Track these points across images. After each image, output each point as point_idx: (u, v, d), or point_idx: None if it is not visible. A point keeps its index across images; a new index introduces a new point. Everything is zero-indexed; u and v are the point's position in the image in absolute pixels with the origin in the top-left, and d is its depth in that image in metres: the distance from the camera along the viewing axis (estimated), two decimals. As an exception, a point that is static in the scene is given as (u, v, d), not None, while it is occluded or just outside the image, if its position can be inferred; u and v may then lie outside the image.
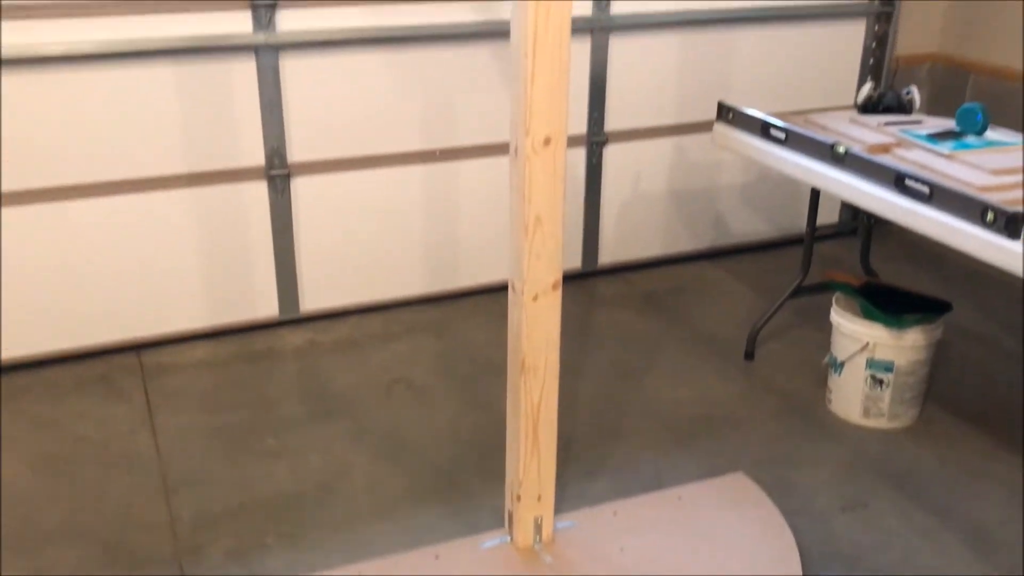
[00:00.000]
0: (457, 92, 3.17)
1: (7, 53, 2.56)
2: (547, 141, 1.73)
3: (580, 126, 3.42)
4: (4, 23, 2.53)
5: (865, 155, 2.42)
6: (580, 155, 3.47)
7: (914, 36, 3.90)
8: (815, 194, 2.92)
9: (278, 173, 3.00)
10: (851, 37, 3.79)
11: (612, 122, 3.48)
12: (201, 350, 3.05)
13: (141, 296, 2.98)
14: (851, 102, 3.47)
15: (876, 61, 3.84)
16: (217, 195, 2.97)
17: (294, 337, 3.15)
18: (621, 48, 3.39)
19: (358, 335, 3.17)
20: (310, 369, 2.95)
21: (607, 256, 3.67)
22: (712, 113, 2.96)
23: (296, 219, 3.09)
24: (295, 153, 3.02)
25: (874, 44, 3.82)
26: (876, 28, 3.80)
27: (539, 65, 1.67)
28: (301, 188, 3.06)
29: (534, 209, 1.76)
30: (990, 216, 2.04)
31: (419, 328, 3.23)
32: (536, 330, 1.86)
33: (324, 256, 3.20)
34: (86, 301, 2.92)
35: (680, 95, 3.55)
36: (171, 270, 3.00)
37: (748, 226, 3.88)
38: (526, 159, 1.73)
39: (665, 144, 3.61)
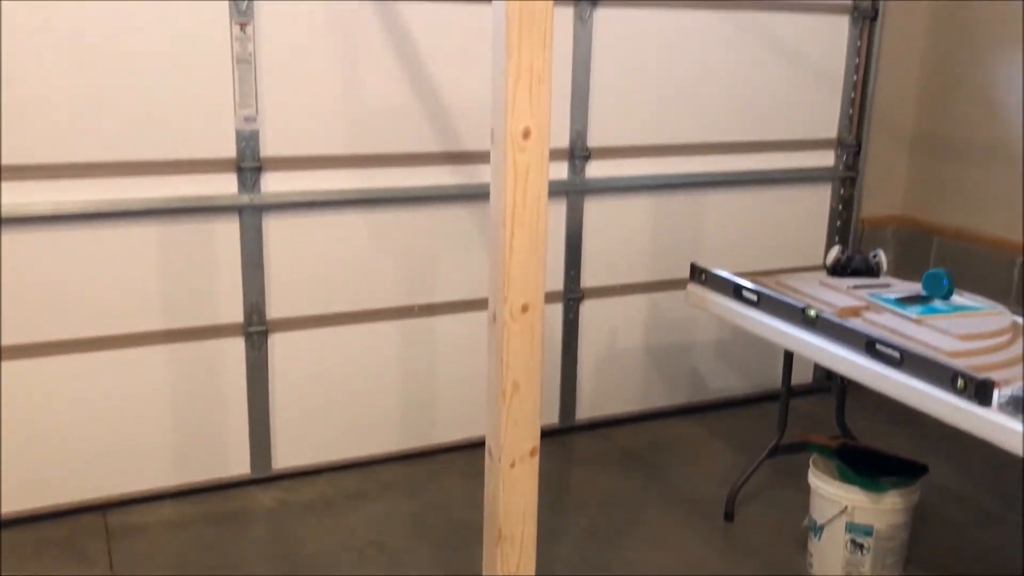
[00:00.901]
0: (436, 250, 3.23)
1: (-8, 212, 2.60)
2: (525, 308, 1.76)
3: (557, 283, 3.48)
4: (-8, 184, 2.58)
5: (836, 319, 2.47)
6: (557, 311, 3.52)
7: (878, 199, 4.05)
8: (788, 355, 2.96)
9: (256, 330, 3.01)
10: (818, 200, 3.92)
11: (588, 279, 3.54)
12: (169, 509, 2.97)
13: (110, 454, 2.93)
14: (820, 262, 3.56)
15: (843, 223, 3.97)
16: (193, 351, 2.97)
17: (265, 497, 3.08)
18: (596, 209, 3.48)
19: (332, 494, 3.11)
20: (281, 531, 2.88)
21: (584, 411, 3.66)
22: (685, 271, 3.03)
23: (272, 375, 3.08)
24: (274, 310, 3.03)
25: (840, 206, 3.96)
26: (842, 191, 3.95)
27: (517, 235, 1.71)
28: (278, 344, 3.07)
29: (512, 375, 1.77)
30: (960, 383, 2.07)
31: (395, 486, 3.17)
32: (513, 498, 1.84)
33: (299, 412, 3.17)
34: (52, 459, 2.86)
35: (654, 254, 3.63)
36: (142, 427, 2.95)
37: (724, 382, 3.91)
38: (504, 325, 1.75)
39: (640, 300, 3.66)
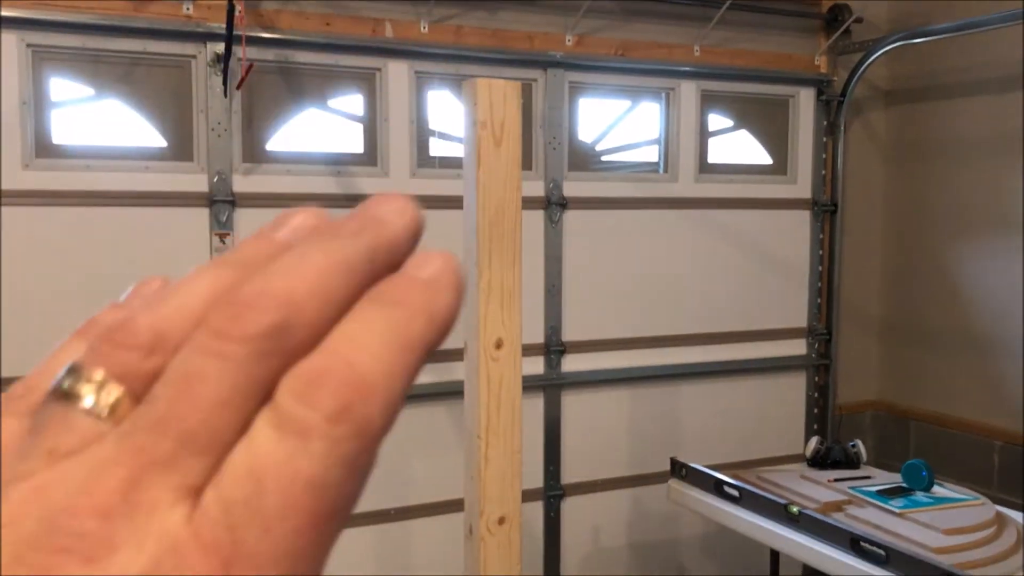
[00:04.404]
0: (411, 450, 3.20)
1: None
2: (502, 520, 1.73)
3: (536, 480, 3.44)
4: None
5: (819, 516, 2.44)
6: (538, 509, 3.45)
7: (854, 385, 4.08)
8: (775, 553, 2.90)
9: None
10: (793, 388, 3.96)
11: (568, 475, 3.50)
12: None
13: None
14: (799, 450, 3.55)
15: (820, 410, 3.99)
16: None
17: None
18: (573, 403, 3.49)
19: None
20: None
21: (569, 615, 3.54)
22: (666, 463, 3.01)
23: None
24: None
25: (816, 394, 3.99)
26: (816, 379, 3.99)
27: (492, 446, 1.70)
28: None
29: (490, 592, 1.72)
30: (949, 582, 2.02)
31: None
32: None
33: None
34: None
35: (633, 447, 3.61)
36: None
37: (711, 578, 3.81)
38: (480, 540, 1.71)
39: (622, 496, 3.61)
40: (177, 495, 0.19)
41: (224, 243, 2.85)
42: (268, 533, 0.19)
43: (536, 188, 3.34)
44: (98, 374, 0.21)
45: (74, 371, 0.21)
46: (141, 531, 0.19)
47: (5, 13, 2.59)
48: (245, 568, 0.19)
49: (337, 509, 0.21)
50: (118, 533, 0.19)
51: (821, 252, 3.94)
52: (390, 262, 0.24)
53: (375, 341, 0.22)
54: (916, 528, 2.38)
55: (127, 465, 0.19)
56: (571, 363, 3.48)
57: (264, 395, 0.21)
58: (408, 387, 0.22)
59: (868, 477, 2.85)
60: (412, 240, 0.25)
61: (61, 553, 0.18)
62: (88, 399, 0.21)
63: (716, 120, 3.74)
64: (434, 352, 0.23)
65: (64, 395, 0.21)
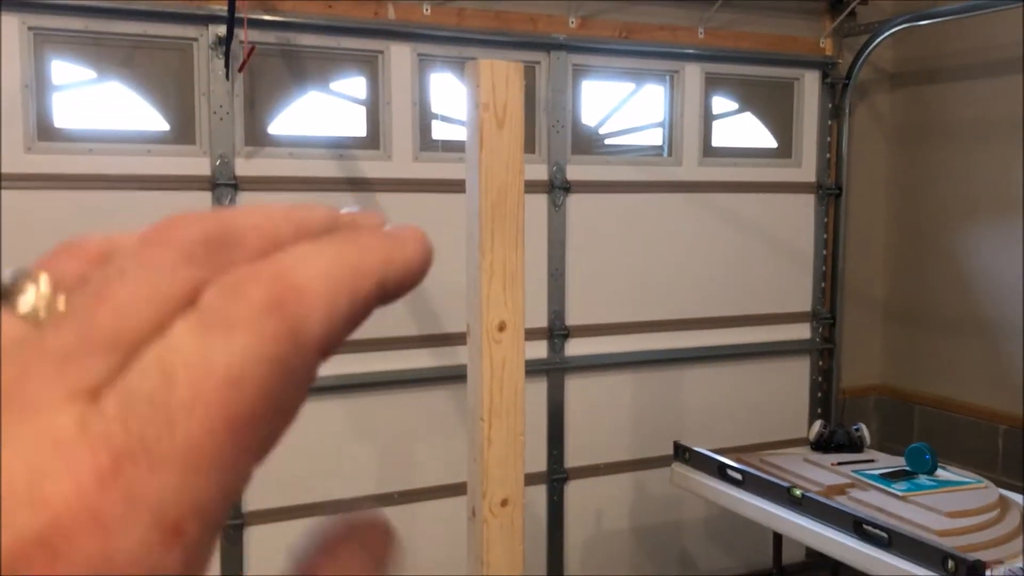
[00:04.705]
0: (415, 434, 3.21)
1: None
2: (504, 502, 1.73)
3: (540, 464, 3.44)
4: None
5: (822, 499, 2.44)
6: (541, 493, 3.46)
7: (857, 369, 4.08)
8: (778, 536, 2.90)
9: (232, 523, 2.94)
10: (797, 372, 3.95)
11: (571, 459, 3.51)
12: None
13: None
14: (803, 434, 3.55)
15: (823, 394, 3.98)
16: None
17: None
18: (577, 387, 3.49)
19: None
20: None
21: (572, 598, 3.55)
22: (669, 447, 3.01)
23: (247, 572, 2.99)
24: (249, 503, 2.97)
25: (820, 378, 3.98)
26: (820, 363, 3.98)
27: (495, 428, 1.71)
28: (254, 539, 2.99)
29: (493, 574, 1.73)
30: (951, 564, 2.02)
31: None
32: None
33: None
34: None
35: (636, 430, 3.61)
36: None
37: (715, 562, 3.81)
38: (483, 522, 1.72)
39: (625, 479, 3.62)
40: (72, 394, 0.18)
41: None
42: (171, 428, 0.18)
43: (539, 172, 3.33)
44: (43, 279, 0.20)
45: (21, 274, 0.20)
46: (21, 431, 0.17)
47: (6, -4, 2.58)
48: (140, 464, 0.17)
49: (257, 414, 0.19)
50: None
51: (825, 236, 3.93)
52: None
53: (321, 260, 0.20)
54: (919, 511, 2.38)
55: (18, 364, 0.18)
56: (574, 347, 3.48)
57: (188, 303, 0.19)
58: (354, 313, 0.21)
59: (871, 460, 2.85)
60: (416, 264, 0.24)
61: None
62: (24, 300, 0.20)
63: (720, 103, 3.72)
64: (390, 295, 0.22)
65: (4, 295, 0.20)
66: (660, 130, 3.63)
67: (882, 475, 2.66)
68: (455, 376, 3.20)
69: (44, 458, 0.17)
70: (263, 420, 0.19)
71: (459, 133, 3.11)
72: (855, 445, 2.99)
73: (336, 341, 0.20)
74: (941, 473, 2.71)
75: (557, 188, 3.37)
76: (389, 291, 0.22)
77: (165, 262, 0.20)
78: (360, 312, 0.21)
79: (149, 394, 0.18)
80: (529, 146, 3.31)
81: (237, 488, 0.19)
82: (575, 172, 3.40)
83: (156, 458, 0.17)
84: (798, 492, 2.48)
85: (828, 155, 3.89)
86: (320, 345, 0.20)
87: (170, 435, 0.18)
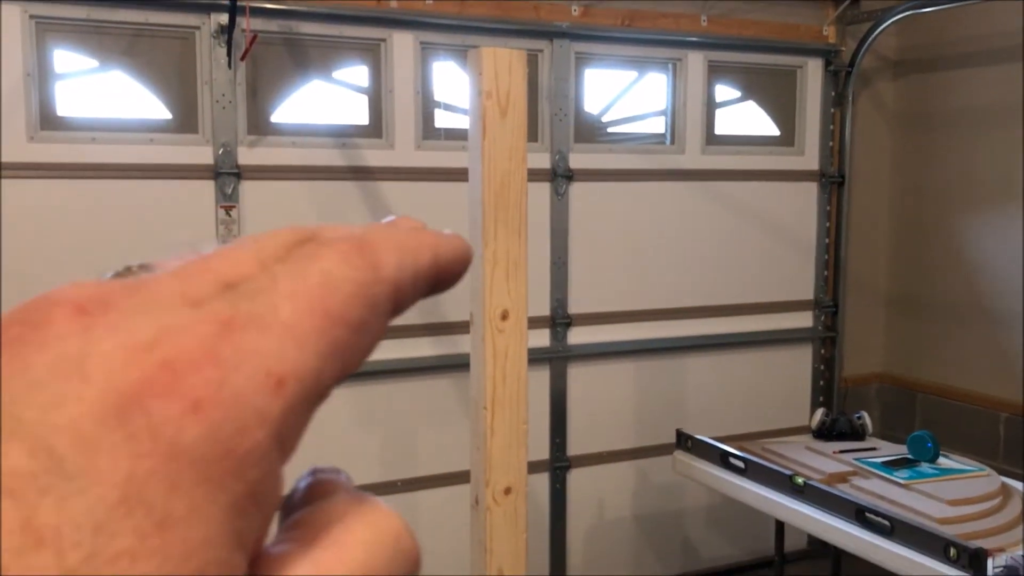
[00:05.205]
0: (418, 423, 3.22)
1: None
2: (508, 491, 1.74)
3: (542, 452, 3.45)
4: None
5: (824, 487, 2.44)
6: (544, 481, 3.47)
7: (859, 358, 4.08)
8: (780, 524, 2.91)
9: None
10: (799, 360, 3.96)
11: (574, 447, 3.51)
12: None
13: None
14: (805, 422, 3.55)
15: (826, 383, 3.99)
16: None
17: None
18: (579, 375, 3.50)
19: None
20: None
21: (575, 585, 3.56)
22: (671, 435, 3.02)
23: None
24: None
25: (822, 366, 3.99)
26: (822, 351, 3.99)
27: (498, 416, 1.71)
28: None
29: (496, 562, 1.73)
30: (953, 552, 2.03)
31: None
32: None
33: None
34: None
35: (639, 418, 3.62)
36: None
37: (717, 550, 3.82)
38: (487, 509, 1.72)
39: (627, 468, 3.63)
40: (184, 298, 0.21)
41: (229, 215, 2.84)
42: (275, 309, 0.21)
43: (542, 160, 3.32)
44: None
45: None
46: (138, 318, 0.20)
47: (8, -16, 2.58)
48: (250, 329, 0.20)
49: (346, 318, 0.22)
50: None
51: (828, 224, 3.93)
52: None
53: (389, 233, 0.24)
54: (921, 499, 2.39)
55: (140, 285, 0.21)
56: (577, 336, 3.48)
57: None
58: (417, 280, 0.24)
59: (873, 449, 2.85)
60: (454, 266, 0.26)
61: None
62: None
63: (723, 91, 3.72)
64: (442, 276, 0.25)
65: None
66: (663, 118, 3.62)
67: (884, 463, 2.66)
68: (458, 365, 3.21)
69: (167, 322, 0.20)
70: (350, 327, 0.22)
71: (462, 122, 3.11)
72: (857, 433, 2.99)
73: (404, 296, 0.24)
74: (943, 461, 2.71)
75: (560, 177, 3.37)
76: (442, 270, 0.25)
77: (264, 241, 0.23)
78: (421, 282, 0.24)
79: (255, 289, 0.21)
80: (532, 134, 3.30)
81: (325, 381, 0.22)
82: (578, 160, 3.40)
83: (262, 326, 0.20)
84: (800, 480, 2.49)
85: (831, 143, 3.88)
86: (394, 287, 0.23)
87: (274, 313, 0.21)
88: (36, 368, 0.19)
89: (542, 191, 3.33)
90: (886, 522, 2.22)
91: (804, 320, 3.94)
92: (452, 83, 3.23)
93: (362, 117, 3.14)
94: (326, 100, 3.10)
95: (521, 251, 1.66)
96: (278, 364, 0.20)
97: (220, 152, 2.87)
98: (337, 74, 3.12)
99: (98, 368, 0.19)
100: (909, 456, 2.73)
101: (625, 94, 3.60)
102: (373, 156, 3.09)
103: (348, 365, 0.22)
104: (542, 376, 3.42)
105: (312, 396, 0.22)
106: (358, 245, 0.23)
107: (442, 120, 3.20)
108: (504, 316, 1.70)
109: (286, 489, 0.23)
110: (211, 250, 0.24)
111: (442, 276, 0.25)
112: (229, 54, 2.82)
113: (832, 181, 3.89)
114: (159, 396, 0.19)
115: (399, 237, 0.24)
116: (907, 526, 2.17)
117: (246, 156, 2.92)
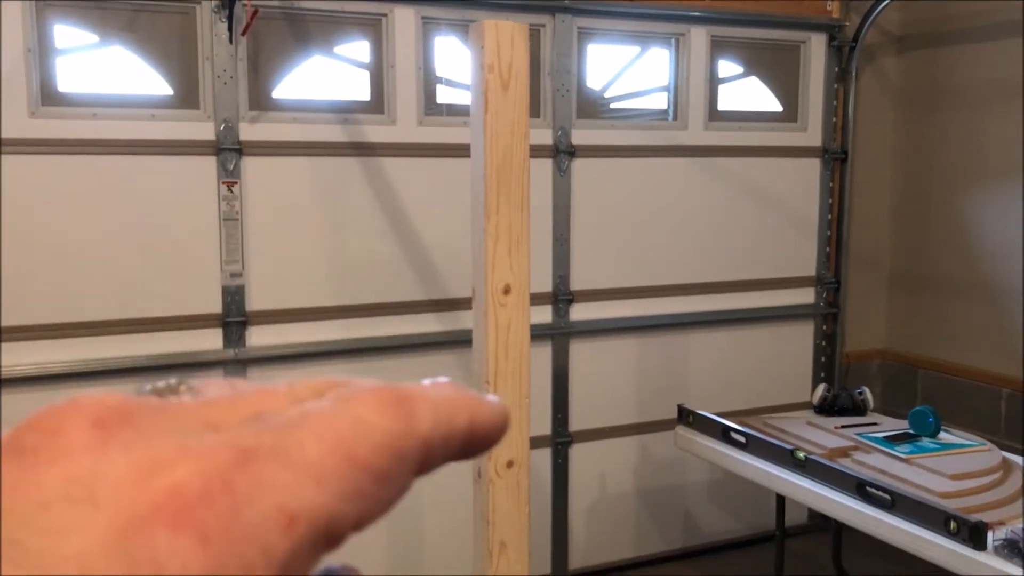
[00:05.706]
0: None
1: (-24, 374, 2.60)
2: (510, 464, 1.75)
3: (544, 427, 3.46)
4: (-23, 346, 2.59)
5: (825, 461, 2.45)
6: (546, 456, 3.49)
7: (861, 334, 4.09)
8: (781, 497, 2.92)
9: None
10: (801, 336, 3.96)
11: (576, 422, 3.53)
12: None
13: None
14: (806, 398, 3.56)
15: (827, 359, 3.99)
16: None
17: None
18: (581, 351, 3.50)
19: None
20: None
21: (577, 560, 3.58)
22: (673, 411, 3.02)
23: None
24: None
25: (824, 342, 3.99)
26: (824, 327, 3.99)
27: (500, 390, 1.72)
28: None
29: (498, 534, 1.75)
30: (953, 525, 2.04)
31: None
32: (503, 662, 1.78)
33: None
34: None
35: (641, 394, 3.63)
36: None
37: (718, 525, 3.84)
38: (489, 482, 1.73)
39: (629, 443, 3.64)
40: (208, 424, 0.21)
41: (231, 191, 2.84)
42: (301, 447, 0.21)
43: (544, 136, 3.32)
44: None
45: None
46: (164, 441, 0.21)
47: (7, -41, 2.57)
48: (271, 462, 0.20)
49: (371, 466, 0.21)
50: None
51: (831, 200, 3.92)
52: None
53: (428, 391, 0.24)
54: (922, 473, 2.39)
55: (171, 408, 0.22)
56: (579, 312, 3.49)
57: None
58: (451, 440, 0.24)
59: (875, 424, 2.86)
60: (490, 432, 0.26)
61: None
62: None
63: (726, 66, 3.70)
64: (477, 440, 0.25)
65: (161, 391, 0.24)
66: (665, 94, 3.61)
67: (885, 438, 2.67)
68: (461, 340, 3.22)
69: (184, 446, 0.20)
70: (374, 475, 0.22)
71: (464, 97, 3.09)
72: (858, 409, 3.00)
73: (433, 454, 0.23)
74: (944, 436, 2.72)
75: (562, 152, 3.36)
76: (476, 435, 0.24)
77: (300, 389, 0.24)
78: (454, 443, 0.24)
79: (284, 423, 0.21)
80: (534, 110, 3.29)
81: (339, 525, 0.21)
82: (580, 136, 3.39)
83: (285, 460, 0.20)
84: (801, 455, 2.50)
85: (834, 119, 3.86)
86: (425, 444, 0.23)
87: (300, 449, 0.21)
88: (47, 487, 0.19)
89: (544, 167, 3.32)
90: (887, 496, 2.23)
91: (806, 296, 3.94)
92: (454, 58, 3.22)
93: (364, 93, 3.13)
94: (327, 76, 3.09)
95: (523, 225, 1.66)
96: (293, 501, 0.20)
97: (221, 128, 2.86)
98: (338, 49, 3.11)
99: (108, 492, 0.19)
100: (910, 431, 2.74)
101: (627, 70, 3.58)
102: (375, 132, 3.09)
103: (365, 515, 0.22)
104: (544, 352, 3.43)
105: (322, 539, 0.21)
106: (396, 396, 0.23)
107: (444, 96, 3.19)
108: (506, 290, 1.70)
109: None
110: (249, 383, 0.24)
111: (475, 441, 0.25)
112: (230, 29, 2.81)
113: (835, 157, 3.88)
114: (167, 526, 0.19)
115: (438, 395, 0.24)
116: (908, 500, 2.18)
117: (247, 132, 2.91)
